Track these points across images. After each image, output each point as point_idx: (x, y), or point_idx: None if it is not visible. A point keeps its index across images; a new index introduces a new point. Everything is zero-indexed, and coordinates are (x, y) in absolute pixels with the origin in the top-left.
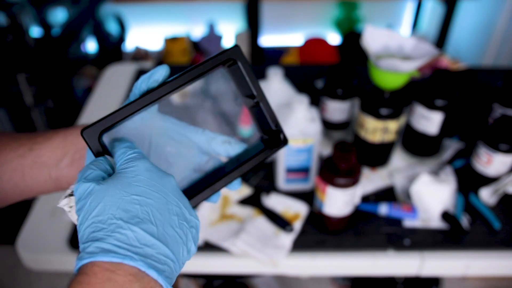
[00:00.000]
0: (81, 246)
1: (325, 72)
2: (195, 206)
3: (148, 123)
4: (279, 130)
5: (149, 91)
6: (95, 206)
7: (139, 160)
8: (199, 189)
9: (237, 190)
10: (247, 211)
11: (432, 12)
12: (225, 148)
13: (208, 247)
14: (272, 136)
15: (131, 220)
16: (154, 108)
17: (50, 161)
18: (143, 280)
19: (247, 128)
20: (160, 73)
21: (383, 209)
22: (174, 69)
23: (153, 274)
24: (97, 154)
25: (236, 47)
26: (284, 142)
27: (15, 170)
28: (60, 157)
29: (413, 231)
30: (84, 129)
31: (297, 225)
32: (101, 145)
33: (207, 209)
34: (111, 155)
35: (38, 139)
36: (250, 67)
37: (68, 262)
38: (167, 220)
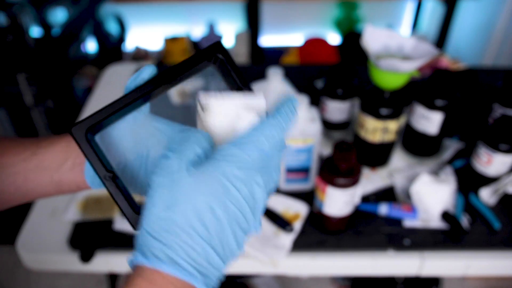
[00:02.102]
0: (144, 234)
1: (325, 72)
2: None
3: (141, 124)
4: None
5: (136, 88)
6: (175, 199)
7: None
8: None
9: None
10: None
11: (432, 12)
12: None
13: None
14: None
15: (204, 235)
16: (146, 110)
17: (53, 165)
18: None
19: None
20: (147, 72)
21: (383, 209)
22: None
23: None
24: (86, 153)
25: (217, 42)
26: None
27: (17, 173)
28: (62, 161)
29: (413, 231)
30: (72, 127)
31: (297, 225)
32: (88, 141)
33: None
34: (102, 153)
35: (42, 144)
36: (233, 62)
37: (68, 262)
38: (236, 240)
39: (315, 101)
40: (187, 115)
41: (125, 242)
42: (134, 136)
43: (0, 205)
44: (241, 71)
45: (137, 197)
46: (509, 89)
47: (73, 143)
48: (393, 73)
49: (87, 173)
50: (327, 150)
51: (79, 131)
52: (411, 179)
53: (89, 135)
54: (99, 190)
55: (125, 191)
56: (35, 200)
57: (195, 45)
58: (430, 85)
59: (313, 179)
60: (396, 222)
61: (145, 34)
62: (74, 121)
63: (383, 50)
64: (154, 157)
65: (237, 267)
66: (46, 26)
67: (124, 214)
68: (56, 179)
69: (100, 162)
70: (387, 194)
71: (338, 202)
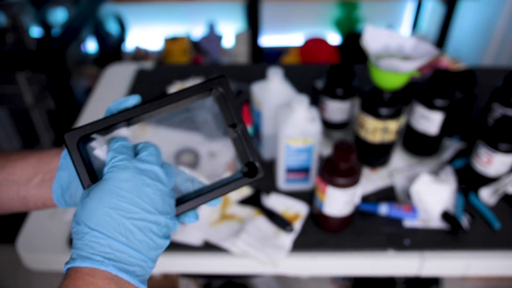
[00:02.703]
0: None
1: (325, 72)
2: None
3: None
4: (254, 161)
5: (132, 108)
6: (80, 214)
7: (120, 170)
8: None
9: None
10: (247, 211)
11: (432, 12)
12: (186, 186)
13: (208, 247)
14: (250, 167)
15: (105, 231)
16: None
17: (21, 180)
18: (120, 282)
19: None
20: (130, 102)
21: (383, 209)
22: (173, 70)
23: (124, 275)
24: (75, 161)
25: (222, 77)
26: (258, 172)
27: None
28: (31, 177)
29: (413, 231)
30: (66, 132)
31: (297, 225)
32: (78, 148)
33: (208, 209)
34: (90, 163)
35: (13, 157)
36: (233, 98)
37: None
38: (137, 228)
39: (315, 101)
40: (187, 115)
41: None
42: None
43: None
44: (239, 109)
45: None
46: (509, 89)
47: (45, 158)
48: (393, 73)
49: (54, 190)
50: (327, 150)
51: (72, 139)
52: (411, 179)
53: (80, 144)
54: None
55: None
56: (0, 214)
57: (195, 45)
58: (430, 85)
59: (313, 179)
60: (396, 222)
61: (145, 34)
62: (74, 121)
63: (383, 50)
64: None
65: (237, 267)
66: (46, 26)
67: None
68: (22, 194)
69: (86, 172)
70: (387, 194)
71: (338, 202)
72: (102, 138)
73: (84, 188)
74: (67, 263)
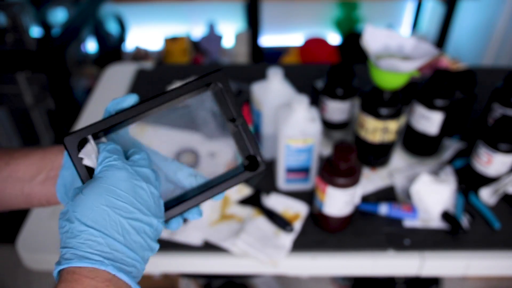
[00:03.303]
0: (60, 250)
1: (325, 72)
2: (171, 218)
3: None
4: (255, 155)
5: (130, 107)
6: (73, 211)
7: (117, 169)
8: (176, 202)
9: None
10: (247, 211)
11: (432, 12)
12: (190, 181)
13: (208, 247)
14: (252, 160)
15: (103, 229)
16: (126, 134)
17: (25, 177)
18: (118, 283)
19: None
20: (128, 102)
21: (383, 209)
22: (173, 70)
23: (122, 276)
24: (76, 165)
25: (219, 71)
26: (260, 165)
27: None
28: (35, 174)
29: (413, 231)
30: (65, 136)
31: (297, 225)
32: (79, 152)
33: (208, 209)
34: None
35: (16, 154)
36: (231, 92)
37: None
38: (133, 228)
39: (315, 101)
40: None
41: None
42: None
43: None
44: (238, 103)
45: None
46: (509, 89)
47: (48, 155)
48: (393, 73)
49: (58, 188)
50: (327, 150)
51: (72, 142)
52: (411, 179)
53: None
54: None
55: None
56: (4, 211)
57: (195, 45)
58: (430, 85)
59: (313, 179)
60: (396, 222)
61: (145, 34)
62: (74, 121)
63: (383, 50)
64: None
65: (237, 267)
66: (46, 26)
67: None
68: (27, 191)
69: (89, 175)
70: (387, 194)
71: (338, 202)
72: (91, 146)
73: None
74: (58, 263)
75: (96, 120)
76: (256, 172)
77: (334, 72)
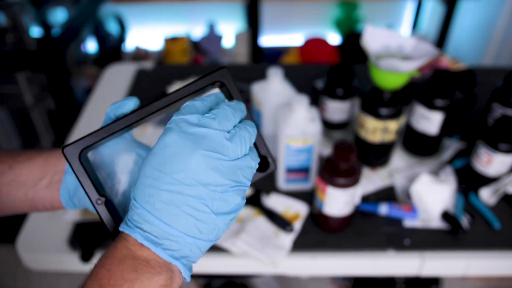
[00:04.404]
0: (134, 203)
1: (325, 72)
2: None
3: (124, 150)
4: (266, 156)
5: (130, 113)
6: (155, 176)
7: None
8: None
9: None
10: (247, 211)
11: (432, 12)
12: None
13: None
14: (262, 160)
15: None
16: (129, 136)
17: (29, 181)
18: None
19: None
20: (128, 107)
21: (383, 209)
22: (173, 70)
23: (176, 263)
24: (78, 176)
25: (222, 68)
26: (271, 166)
27: None
28: (39, 178)
29: (413, 231)
30: (65, 147)
31: (297, 225)
32: (80, 162)
33: None
34: (95, 175)
35: (19, 158)
36: (237, 90)
37: (68, 262)
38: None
39: (315, 101)
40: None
41: None
42: (118, 161)
43: None
44: (244, 101)
45: None
46: (509, 89)
47: (51, 159)
48: (393, 73)
49: (62, 194)
50: (327, 150)
51: (73, 152)
52: (411, 179)
53: (82, 156)
54: None
55: (117, 217)
56: (7, 215)
57: (195, 45)
58: (430, 85)
59: (313, 179)
60: (396, 222)
61: (145, 34)
62: (74, 121)
63: (383, 50)
64: (133, 182)
65: (237, 267)
66: (46, 26)
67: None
68: (31, 196)
69: (92, 186)
70: (387, 194)
71: (338, 202)
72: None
73: (91, 202)
74: (149, 240)
75: (96, 129)
76: (267, 173)
77: (334, 72)
